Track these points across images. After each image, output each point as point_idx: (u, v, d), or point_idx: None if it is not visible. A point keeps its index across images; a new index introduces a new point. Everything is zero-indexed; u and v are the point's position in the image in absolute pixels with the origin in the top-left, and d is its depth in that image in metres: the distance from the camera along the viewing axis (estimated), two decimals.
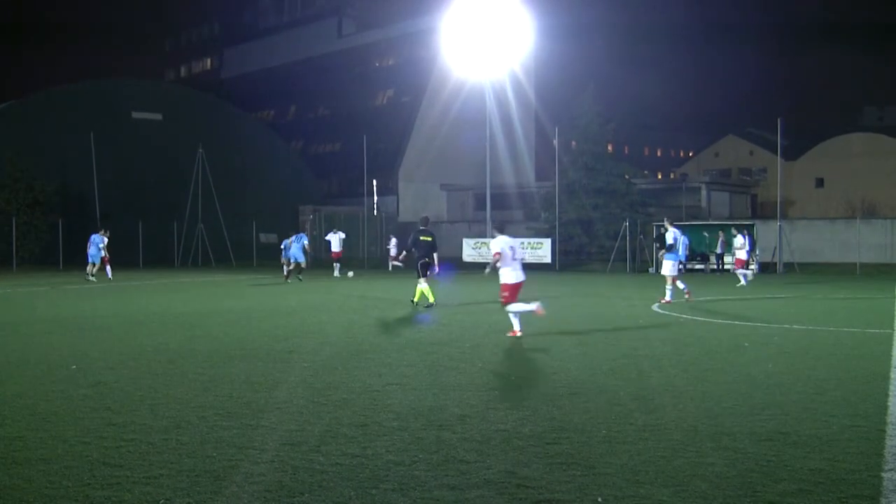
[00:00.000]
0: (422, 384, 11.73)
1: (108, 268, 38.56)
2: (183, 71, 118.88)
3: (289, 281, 36.49)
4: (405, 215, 73.83)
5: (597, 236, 53.15)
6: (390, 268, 45.22)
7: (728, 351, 15.24)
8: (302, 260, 37.19)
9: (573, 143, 57.86)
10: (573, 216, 53.24)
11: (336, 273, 40.11)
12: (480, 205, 63.89)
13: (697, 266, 46.46)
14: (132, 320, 21.29)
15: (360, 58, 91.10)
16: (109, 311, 23.89)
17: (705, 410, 10.05)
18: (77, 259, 48.58)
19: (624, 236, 47.92)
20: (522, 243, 48.87)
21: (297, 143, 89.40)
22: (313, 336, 17.57)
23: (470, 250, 50.42)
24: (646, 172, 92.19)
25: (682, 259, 27.42)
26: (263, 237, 61.00)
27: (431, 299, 24.27)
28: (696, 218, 59.20)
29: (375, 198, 72.55)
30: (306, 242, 37.96)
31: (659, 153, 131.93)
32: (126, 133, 64.79)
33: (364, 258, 56.21)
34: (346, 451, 8.18)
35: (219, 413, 9.87)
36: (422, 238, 24.64)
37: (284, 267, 38.10)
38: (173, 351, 15.31)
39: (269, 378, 12.30)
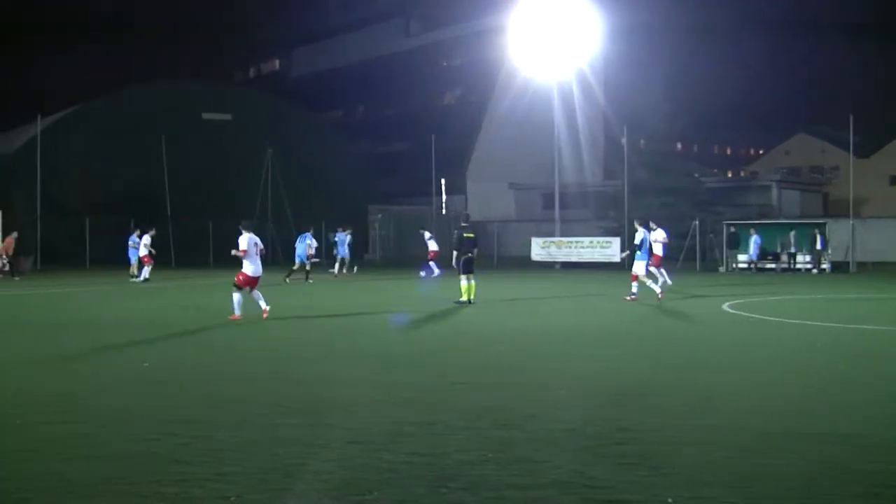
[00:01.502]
0: (488, 383, 11.71)
1: (146, 269, 38.18)
2: (252, 72, 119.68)
3: (287, 281, 36.37)
4: (474, 214, 73.30)
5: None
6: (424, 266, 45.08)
7: (798, 351, 15.07)
8: (305, 261, 37.31)
9: (641, 141, 57.50)
10: (640, 215, 52.84)
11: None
12: (548, 204, 63.59)
13: (769, 265, 45.91)
14: (201, 319, 21.49)
15: (427, 57, 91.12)
16: (176, 310, 24.13)
17: (773, 411, 9.94)
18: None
19: (693, 235, 47.46)
20: (591, 242, 48.69)
21: (365, 142, 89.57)
22: (377, 335, 17.63)
23: (538, 249, 50.20)
24: (715, 171, 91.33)
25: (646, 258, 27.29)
26: (333, 237, 61.17)
27: (466, 297, 24.26)
28: (766, 217, 58.46)
29: (444, 197, 72.55)
30: (310, 241, 38.00)
31: (728, 151, 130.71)
32: (196, 134, 65.32)
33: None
34: (413, 450, 8.18)
35: (286, 411, 9.92)
36: (465, 235, 24.69)
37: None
38: (242, 349, 15.44)
39: (335, 376, 12.35)
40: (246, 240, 20.10)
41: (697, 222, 47.42)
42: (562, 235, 50.30)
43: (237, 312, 19.88)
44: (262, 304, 20.24)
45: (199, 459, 7.91)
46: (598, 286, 33.06)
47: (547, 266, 48.19)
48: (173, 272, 44.84)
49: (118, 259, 51.35)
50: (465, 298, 24.33)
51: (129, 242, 39.00)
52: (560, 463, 7.72)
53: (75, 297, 29.93)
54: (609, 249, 48.07)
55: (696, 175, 58.00)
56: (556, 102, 51.11)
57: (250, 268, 19.96)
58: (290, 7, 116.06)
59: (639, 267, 26.12)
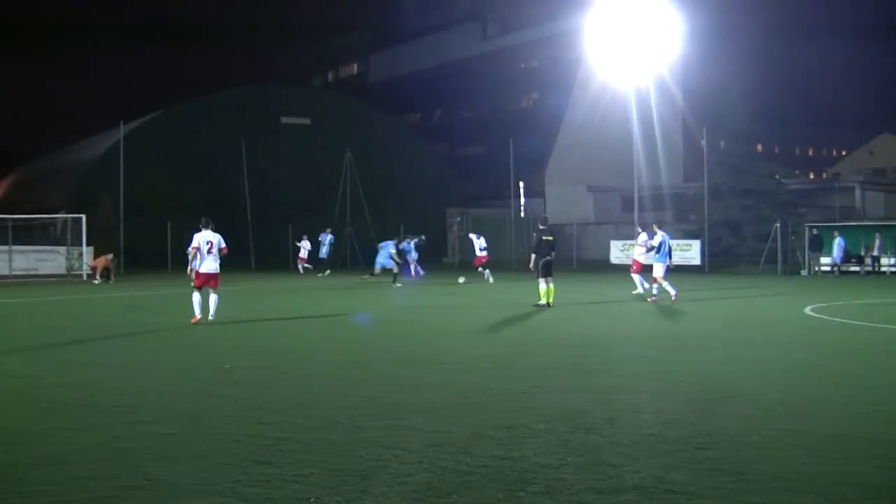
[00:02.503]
0: (568, 387, 11.68)
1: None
2: (330, 76, 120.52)
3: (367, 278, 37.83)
4: (552, 217, 73.09)
5: (745, 238, 52.19)
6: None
7: (883, 356, 14.83)
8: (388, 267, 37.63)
9: (721, 143, 56.95)
10: (720, 217, 52.37)
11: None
12: (627, 206, 63.33)
13: (853, 268, 45.23)
14: (282, 321, 21.68)
15: (504, 60, 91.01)
16: (259, 312, 24.35)
17: (854, 416, 9.79)
18: (228, 261, 49.59)
19: (774, 238, 46.89)
20: (671, 245, 48.35)
21: (442, 145, 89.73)
22: (456, 337, 17.65)
23: (618, 252, 49.97)
24: (796, 172, 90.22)
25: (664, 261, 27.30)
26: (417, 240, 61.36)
27: (545, 301, 24.27)
28: (849, 219, 57.55)
29: (522, 200, 72.41)
30: (392, 251, 38.26)
31: (810, 152, 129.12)
32: (275, 138, 65.94)
33: (512, 260, 56.18)
34: (492, 453, 8.19)
35: (366, 413, 9.97)
36: (544, 238, 24.70)
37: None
38: (322, 351, 15.56)
39: (415, 379, 12.39)
40: (197, 239, 20.35)
41: (779, 224, 46.84)
42: None
43: (197, 314, 20.15)
44: (211, 311, 20.32)
45: (280, 461, 8.00)
46: (678, 289, 32.74)
47: (626, 269, 47.86)
48: (253, 275, 45.26)
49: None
50: (543, 302, 24.31)
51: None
52: (640, 468, 7.68)
53: (159, 299, 30.34)
54: (689, 252, 47.70)
55: (778, 176, 57.17)
56: (635, 104, 50.78)
57: (204, 266, 20.22)
58: (367, 12, 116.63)
59: (658, 269, 26.67)
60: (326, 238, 46.96)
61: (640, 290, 29.53)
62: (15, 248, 47.74)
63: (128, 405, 10.61)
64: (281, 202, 61.78)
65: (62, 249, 48.92)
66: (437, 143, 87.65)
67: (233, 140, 59.57)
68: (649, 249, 27.60)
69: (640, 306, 25.43)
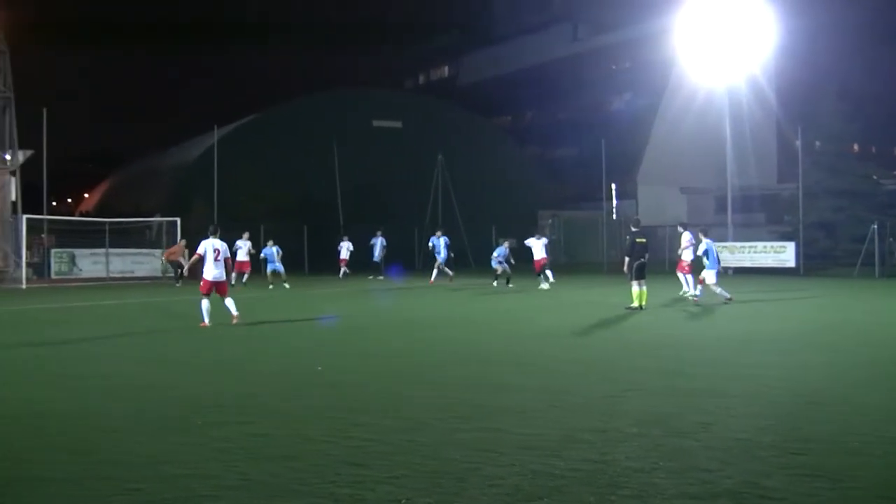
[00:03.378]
0: (660, 390, 11.60)
1: (245, 275, 38.56)
2: (421, 78, 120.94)
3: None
4: (645, 219, 72.62)
5: (841, 239, 51.30)
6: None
7: None
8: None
9: (816, 143, 56.09)
10: (815, 219, 51.53)
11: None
12: (721, 207, 62.57)
13: None
14: (374, 324, 21.83)
15: (596, 61, 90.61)
16: (348, 315, 24.55)
17: None
18: (321, 264, 50.07)
19: (871, 239, 46.01)
20: (765, 246, 47.69)
21: (534, 148, 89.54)
22: (547, 340, 17.61)
23: None
24: (895, 173, 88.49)
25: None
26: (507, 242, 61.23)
27: (637, 303, 24.13)
28: None
29: (614, 202, 72.01)
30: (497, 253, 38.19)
31: None
32: (367, 141, 66.38)
33: (604, 262, 55.96)
34: (584, 457, 8.17)
35: (457, 416, 10.01)
36: (637, 240, 24.60)
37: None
38: (412, 354, 15.63)
39: (506, 382, 12.39)
40: (203, 246, 20.79)
41: (876, 226, 45.96)
42: (734, 240, 49.39)
43: (206, 320, 20.40)
44: (233, 311, 20.64)
45: (372, 462, 8.06)
46: (771, 292, 32.37)
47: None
48: (342, 278, 45.58)
49: (293, 265, 52.60)
50: (636, 304, 24.19)
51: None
52: (733, 473, 7.61)
53: (247, 302, 30.69)
54: (783, 254, 47.02)
55: (875, 177, 56.13)
56: (728, 104, 50.23)
57: (210, 273, 20.56)
58: (458, 15, 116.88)
59: (710, 276, 27.04)
60: (378, 241, 46.94)
61: (686, 289, 29.58)
62: (112, 250, 48.66)
63: (222, 406, 10.79)
64: (372, 205, 62.11)
65: (158, 252, 49.74)
66: (528, 145, 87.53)
67: (325, 143, 60.07)
68: (705, 256, 27.81)
69: (732, 309, 25.14)
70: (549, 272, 35.15)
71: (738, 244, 48.57)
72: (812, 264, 48.39)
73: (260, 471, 7.81)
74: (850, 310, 25.50)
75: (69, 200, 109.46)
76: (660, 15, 70.71)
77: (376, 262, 46.50)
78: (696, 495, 6.99)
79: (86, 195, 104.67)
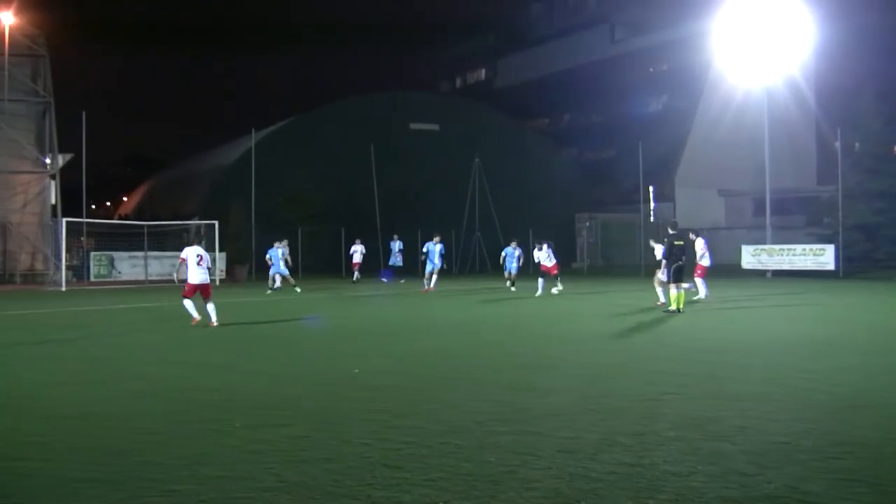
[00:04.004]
0: (699, 394, 11.53)
1: (279, 280, 38.57)
2: (458, 82, 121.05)
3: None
4: (682, 221, 72.34)
5: (882, 242, 50.87)
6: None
7: None
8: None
9: (856, 144, 55.63)
10: (855, 221, 51.10)
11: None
12: (759, 210, 62.21)
13: None
14: (410, 327, 21.87)
15: (632, 63, 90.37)
16: (385, 318, 24.61)
17: None
18: (360, 267, 50.14)
19: None
20: (804, 249, 47.33)
21: (571, 150, 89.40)
22: (583, 343, 17.57)
23: (749, 257, 49.11)
24: None
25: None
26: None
27: (675, 306, 24.06)
28: None
29: (652, 204, 71.79)
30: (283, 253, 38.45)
31: None
32: (404, 144, 66.48)
33: (641, 265, 55.77)
34: (621, 460, 8.14)
35: (495, 419, 9.99)
36: (675, 243, 24.56)
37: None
38: (450, 357, 15.62)
39: (544, 385, 12.37)
40: (186, 251, 22.05)
41: None
42: (773, 243, 49.11)
43: (195, 316, 21.67)
44: (213, 317, 21.51)
45: (410, 465, 8.07)
46: (812, 295, 32.17)
47: (758, 274, 47.20)
48: (382, 281, 45.66)
49: (330, 267, 52.78)
50: (674, 307, 24.11)
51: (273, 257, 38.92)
52: (772, 477, 7.55)
53: (284, 304, 30.79)
54: (823, 257, 46.67)
55: None
56: (766, 106, 49.93)
57: (195, 277, 21.72)
58: (494, 18, 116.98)
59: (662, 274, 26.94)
60: (396, 245, 46.88)
61: (702, 294, 29.74)
62: (150, 253, 48.97)
63: (259, 408, 10.83)
64: (409, 208, 62.18)
65: None
66: (565, 147, 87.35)
67: (362, 146, 60.19)
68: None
69: (770, 312, 25.03)
70: (541, 280, 33.72)
71: (777, 247, 48.28)
72: (851, 267, 48.01)
73: (296, 472, 7.84)
74: (890, 313, 25.30)
75: (108, 204, 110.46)
76: (697, 17, 70.44)
77: (398, 266, 46.39)
78: (735, 499, 6.94)
79: (125, 198, 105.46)
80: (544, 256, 33.71)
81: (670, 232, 25.24)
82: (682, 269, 24.45)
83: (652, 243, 28.67)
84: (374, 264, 49.65)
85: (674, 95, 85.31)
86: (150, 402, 11.39)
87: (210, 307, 21.56)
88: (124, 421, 10.15)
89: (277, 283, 38.15)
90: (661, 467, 7.88)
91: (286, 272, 38.58)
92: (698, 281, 29.88)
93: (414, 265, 47.13)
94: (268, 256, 39.06)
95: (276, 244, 39.10)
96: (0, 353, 16.83)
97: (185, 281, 21.74)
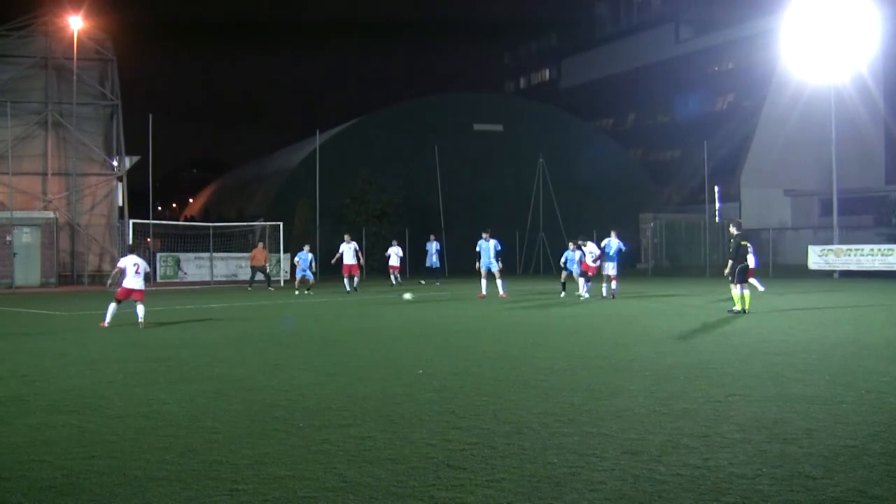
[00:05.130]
0: (765, 395, 11.43)
1: (355, 279, 38.84)
2: (522, 82, 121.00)
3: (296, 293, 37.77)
4: (747, 222, 71.79)
5: None
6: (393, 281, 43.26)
7: None
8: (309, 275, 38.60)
9: None
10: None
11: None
12: (826, 210, 61.59)
13: None
14: (470, 329, 21.88)
15: (698, 63, 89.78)
16: (453, 319, 24.65)
17: None
18: (420, 267, 50.20)
19: None
20: (872, 250, 46.69)
21: (636, 150, 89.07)
22: (653, 344, 17.47)
23: (816, 258, 48.59)
24: None
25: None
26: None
27: (741, 307, 23.93)
28: None
29: (717, 205, 71.26)
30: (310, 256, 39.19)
31: None
32: (468, 144, 66.57)
33: (706, 266, 55.39)
34: (687, 462, 8.10)
35: (560, 420, 9.98)
36: (741, 243, 24.49)
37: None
38: (515, 358, 15.61)
39: (609, 386, 12.32)
40: (123, 261, 23.20)
41: None
42: (840, 243, 48.54)
43: (107, 321, 22.48)
44: (140, 317, 22.54)
45: (473, 466, 8.08)
46: (881, 296, 31.76)
47: (825, 275, 46.68)
48: (446, 281, 45.67)
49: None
50: (738, 308, 23.95)
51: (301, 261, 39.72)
52: (840, 481, 7.47)
53: (349, 306, 30.96)
54: (891, 257, 46.03)
55: None
56: (833, 104, 49.35)
57: (129, 283, 22.77)
58: (559, 18, 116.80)
59: (610, 268, 32.42)
60: (433, 246, 46.69)
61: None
62: (216, 254, 49.44)
63: (325, 408, 10.91)
64: (474, 208, 62.22)
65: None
66: (630, 147, 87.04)
67: (426, 147, 60.39)
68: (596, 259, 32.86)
69: (839, 314, 24.76)
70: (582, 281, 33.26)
71: (844, 247, 47.68)
72: None
73: (360, 473, 7.88)
74: None
75: (174, 205, 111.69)
76: (763, 15, 69.88)
77: (435, 267, 46.25)
78: (801, 502, 6.88)
79: (190, 200, 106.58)
80: (589, 258, 33.24)
81: (735, 233, 25.11)
82: (746, 269, 24.36)
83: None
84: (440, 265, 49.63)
85: (739, 94, 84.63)
86: (218, 402, 11.50)
87: (140, 309, 22.59)
88: (192, 420, 10.26)
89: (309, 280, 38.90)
90: (727, 470, 7.83)
91: (310, 276, 39.13)
92: (752, 281, 29.78)
93: (464, 265, 46.92)
94: (297, 259, 39.50)
95: (306, 247, 40.11)
96: (79, 354, 17.09)
97: (119, 286, 22.98)
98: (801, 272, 47.40)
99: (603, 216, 61.56)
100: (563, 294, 33.34)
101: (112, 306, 22.61)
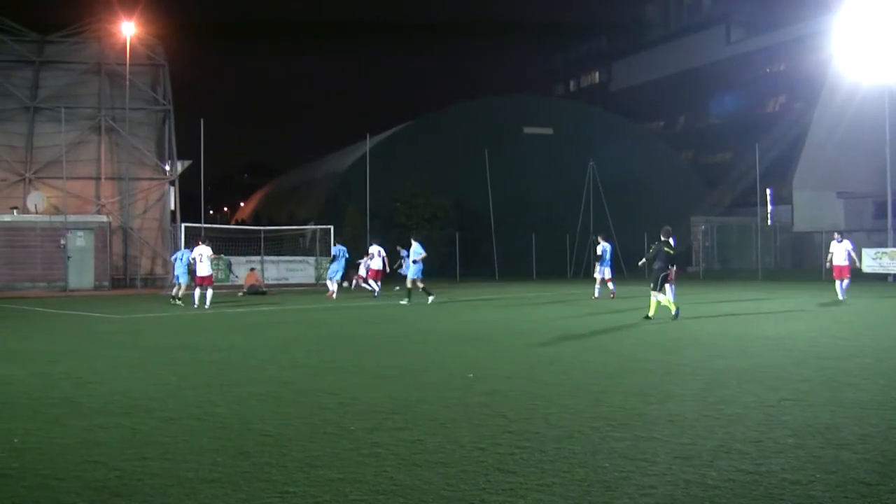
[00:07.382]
0: (818, 400, 11.32)
1: (378, 283, 38.00)
2: (572, 85, 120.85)
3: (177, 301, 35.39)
4: (800, 225, 71.44)
5: None
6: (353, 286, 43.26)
7: None
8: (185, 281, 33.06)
9: None
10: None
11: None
12: (880, 212, 60.92)
13: None
14: (521, 332, 21.85)
15: (749, 64, 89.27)
16: (499, 323, 24.62)
17: None
18: (473, 271, 50.24)
19: None
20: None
21: (687, 153, 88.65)
22: (705, 348, 17.36)
23: (870, 261, 48.07)
24: None
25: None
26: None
27: (672, 309, 23.90)
28: None
29: (769, 207, 70.73)
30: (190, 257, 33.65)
31: None
32: (518, 147, 66.56)
33: (758, 269, 54.99)
34: (739, 467, 8.03)
35: (611, 424, 9.93)
36: (665, 249, 24.15)
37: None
38: (566, 362, 15.56)
39: (661, 390, 12.25)
40: (196, 250, 27.68)
41: None
42: (895, 246, 48.01)
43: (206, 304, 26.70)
44: (207, 300, 27.58)
45: (524, 470, 8.05)
46: None
47: (879, 278, 46.19)
48: (496, 285, 45.65)
49: (446, 272, 52.95)
50: (652, 314, 24.10)
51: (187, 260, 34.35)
52: (895, 487, 7.39)
53: (396, 309, 30.98)
54: None
55: None
56: (888, 105, 48.81)
57: (200, 270, 28.14)
58: (609, 21, 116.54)
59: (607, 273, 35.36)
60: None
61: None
62: (267, 258, 49.71)
63: (376, 411, 10.92)
64: (524, 211, 62.19)
65: (311, 259, 50.63)
66: (681, 150, 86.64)
67: (476, 150, 60.42)
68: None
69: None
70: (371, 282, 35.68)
71: None
72: None
73: (410, 476, 7.88)
74: None
75: (226, 209, 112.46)
76: (815, 15, 69.27)
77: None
78: None
79: (241, 204, 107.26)
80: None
81: (662, 238, 24.69)
82: (668, 276, 24.18)
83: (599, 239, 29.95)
84: (488, 268, 49.57)
85: (791, 96, 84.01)
86: (270, 404, 11.56)
87: (209, 293, 28.38)
88: (243, 423, 10.31)
89: (355, 283, 38.84)
90: (780, 475, 7.75)
91: (339, 278, 39.14)
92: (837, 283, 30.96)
93: (516, 268, 46.85)
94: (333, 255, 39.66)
95: (339, 243, 40.24)
96: (131, 356, 17.25)
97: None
98: (854, 275, 46.95)
99: (654, 219, 61.30)
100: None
101: (196, 292, 27.24)
